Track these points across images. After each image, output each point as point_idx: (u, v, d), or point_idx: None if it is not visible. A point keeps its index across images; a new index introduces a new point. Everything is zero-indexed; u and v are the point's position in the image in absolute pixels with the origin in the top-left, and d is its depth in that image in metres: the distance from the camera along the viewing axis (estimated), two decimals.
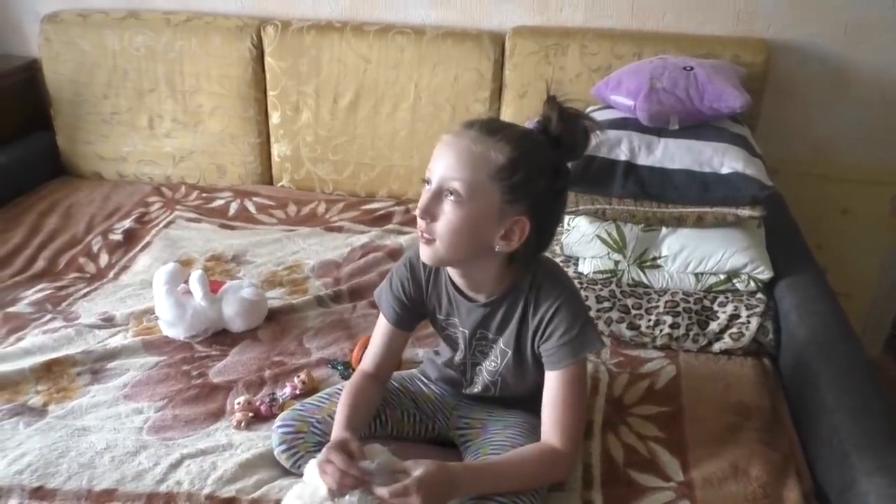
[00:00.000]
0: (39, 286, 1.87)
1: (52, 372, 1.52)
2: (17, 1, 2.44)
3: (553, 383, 1.16)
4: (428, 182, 1.10)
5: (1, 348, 1.60)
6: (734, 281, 1.66)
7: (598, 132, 1.14)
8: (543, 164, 1.09)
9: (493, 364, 1.25)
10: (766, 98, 2.09)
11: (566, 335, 1.14)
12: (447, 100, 2.17)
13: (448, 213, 1.07)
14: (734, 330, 1.57)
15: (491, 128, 1.09)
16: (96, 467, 1.26)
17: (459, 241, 1.09)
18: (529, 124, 1.17)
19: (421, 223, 1.10)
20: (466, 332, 1.24)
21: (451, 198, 1.07)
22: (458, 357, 1.29)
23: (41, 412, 1.41)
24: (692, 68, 1.77)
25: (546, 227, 1.14)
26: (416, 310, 1.28)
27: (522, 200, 1.08)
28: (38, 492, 1.22)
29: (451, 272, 1.20)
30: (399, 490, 1.01)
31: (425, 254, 1.12)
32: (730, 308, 1.61)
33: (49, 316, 1.73)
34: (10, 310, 1.75)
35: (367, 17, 2.26)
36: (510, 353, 1.22)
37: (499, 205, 1.07)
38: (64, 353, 1.57)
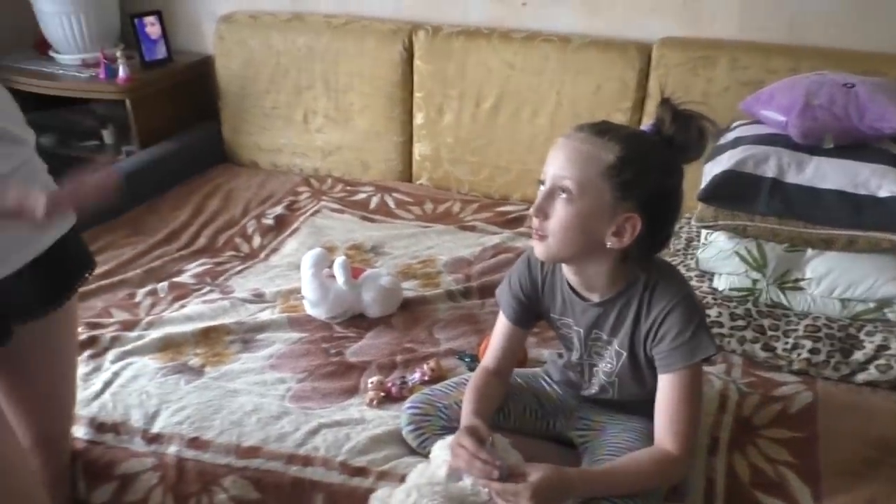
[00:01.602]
0: (200, 260, 2.06)
1: (209, 338, 1.68)
2: (197, 3, 2.68)
3: (666, 387, 1.16)
4: (542, 183, 1.15)
5: (167, 313, 1.78)
6: (885, 311, 1.58)
7: (715, 132, 1.14)
8: (654, 163, 1.11)
9: (608, 366, 1.27)
10: None
11: (679, 338, 1.14)
12: (587, 108, 2.18)
13: (560, 210, 1.11)
14: (882, 361, 1.49)
15: (600, 129, 1.12)
16: (244, 426, 1.39)
17: (571, 237, 1.12)
18: (645, 127, 1.18)
19: (535, 221, 1.15)
20: (581, 331, 1.26)
21: (563, 196, 1.11)
22: (575, 357, 1.31)
23: (199, 372, 1.57)
24: (854, 85, 1.69)
25: (659, 225, 1.14)
26: (532, 308, 1.31)
27: (633, 198, 1.09)
28: (194, 441, 1.37)
29: (566, 271, 1.23)
30: (511, 490, 1.05)
31: (539, 250, 1.17)
32: (878, 338, 1.53)
33: (208, 288, 1.91)
34: (176, 280, 1.95)
35: (514, 25, 2.31)
36: (625, 354, 1.22)
37: (609, 202, 1.10)
38: (220, 322, 1.73)
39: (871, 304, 1.58)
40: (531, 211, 1.15)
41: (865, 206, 1.56)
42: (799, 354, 1.53)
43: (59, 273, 1.17)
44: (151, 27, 2.52)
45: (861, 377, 1.50)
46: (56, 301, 1.16)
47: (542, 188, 1.15)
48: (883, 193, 1.57)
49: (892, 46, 1.98)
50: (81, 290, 1.25)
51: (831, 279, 1.60)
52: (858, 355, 1.51)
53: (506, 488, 1.05)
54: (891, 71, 1.89)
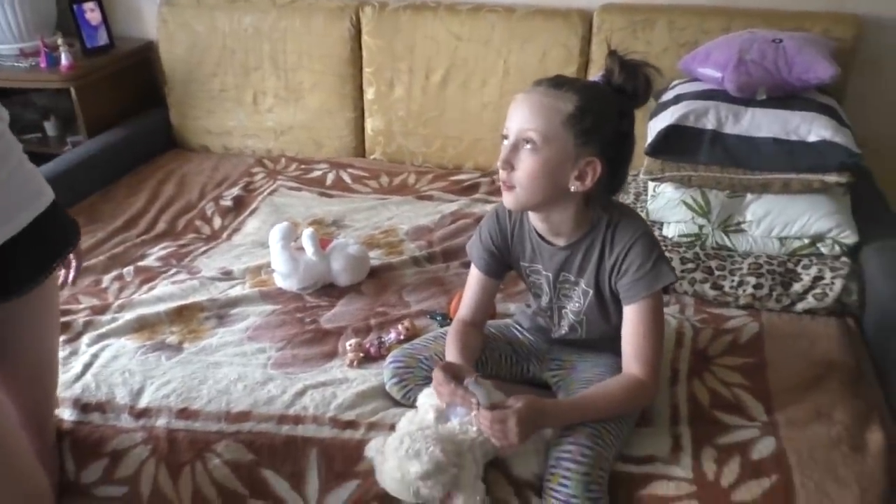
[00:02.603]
0: (163, 244, 2.06)
1: (182, 316, 1.70)
2: None
3: (631, 316, 1.25)
4: (506, 137, 1.22)
5: (137, 295, 1.79)
6: (818, 245, 1.72)
7: (660, 76, 1.23)
8: (609, 110, 1.19)
9: (576, 305, 1.35)
10: (855, 73, 2.10)
11: (641, 269, 1.23)
12: (534, 75, 2.16)
13: (525, 160, 1.19)
14: (818, 290, 1.63)
15: (557, 82, 1.21)
16: (232, 393, 1.43)
17: (537, 184, 1.20)
18: (595, 78, 1.27)
19: (502, 173, 1.22)
20: (550, 275, 1.35)
21: (528, 146, 1.19)
22: (545, 301, 1.40)
23: (178, 349, 1.59)
24: (781, 40, 1.82)
25: (617, 166, 1.23)
26: (503, 258, 1.39)
27: (593, 143, 1.18)
28: (183, 412, 1.40)
29: (533, 218, 1.31)
30: (500, 416, 1.15)
31: (508, 200, 1.25)
32: (814, 270, 1.67)
33: (175, 270, 1.92)
34: (141, 264, 1.95)
35: None
36: (591, 292, 1.31)
37: (572, 149, 1.18)
38: (192, 301, 1.75)
39: (806, 240, 1.72)
40: (498, 164, 1.22)
41: (797, 151, 1.69)
42: (744, 290, 1.66)
43: (40, 250, 1.18)
44: (91, 13, 2.48)
45: (800, 306, 1.64)
46: (38, 277, 1.17)
47: (506, 142, 1.22)
48: (812, 138, 1.70)
49: (813, 4, 2.11)
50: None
51: (769, 220, 1.73)
52: (797, 287, 1.65)
53: (495, 415, 1.14)
54: (814, 26, 2.03)
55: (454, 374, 1.22)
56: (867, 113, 2.16)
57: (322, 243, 1.82)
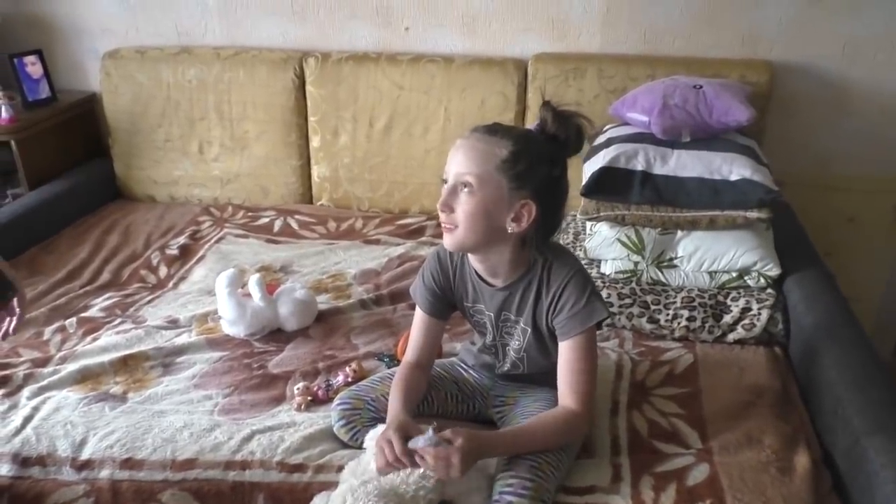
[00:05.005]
0: (107, 295, 2.04)
1: (127, 366, 1.69)
2: (78, 41, 2.65)
3: (566, 351, 1.31)
4: (445, 181, 1.28)
5: (80, 347, 1.77)
6: (745, 278, 1.81)
7: (591, 128, 1.30)
8: (542, 156, 1.26)
9: (517, 343, 1.40)
10: (771, 115, 2.25)
11: (575, 307, 1.29)
12: (474, 122, 2.26)
13: (464, 202, 1.25)
14: (746, 321, 1.71)
15: (493, 129, 1.28)
16: (177, 441, 1.42)
17: (475, 224, 1.25)
18: (530, 127, 1.34)
19: (442, 216, 1.28)
20: (492, 315, 1.40)
21: (465, 190, 1.25)
22: (489, 339, 1.44)
23: (122, 398, 1.58)
24: (701, 86, 1.94)
25: (551, 209, 1.29)
26: (446, 299, 1.44)
27: (527, 187, 1.24)
28: (127, 462, 1.38)
29: (472, 260, 1.37)
30: (443, 455, 1.18)
31: (448, 241, 1.30)
32: (742, 302, 1.75)
33: (119, 320, 1.91)
34: (84, 315, 1.93)
35: (400, 48, 2.45)
36: (530, 330, 1.37)
37: (507, 191, 1.24)
38: (137, 350, 1.74)
39: (734, 274, 1.81)
40: (438, 206, 1.28)
41: (721, 189, 1.79)
42: (679, 323, 1.74)
43: None
44: (32, 66, 2.48)
45: (731, 336, 1.72)
46: None
47: (445, 186, 1.28)
48: (734, 177, 1.81)
49: (728, 52, 2.27)
50: None
51: (699, 255, 1.82)
52: (727, 318, 1.73)
53: (438, 453, 1.17)
54: (731, 73, 2.17)
55: (405, 434, 1.22)
56: (785, 151, 2.30)
57: (269, 289, 1.84)
